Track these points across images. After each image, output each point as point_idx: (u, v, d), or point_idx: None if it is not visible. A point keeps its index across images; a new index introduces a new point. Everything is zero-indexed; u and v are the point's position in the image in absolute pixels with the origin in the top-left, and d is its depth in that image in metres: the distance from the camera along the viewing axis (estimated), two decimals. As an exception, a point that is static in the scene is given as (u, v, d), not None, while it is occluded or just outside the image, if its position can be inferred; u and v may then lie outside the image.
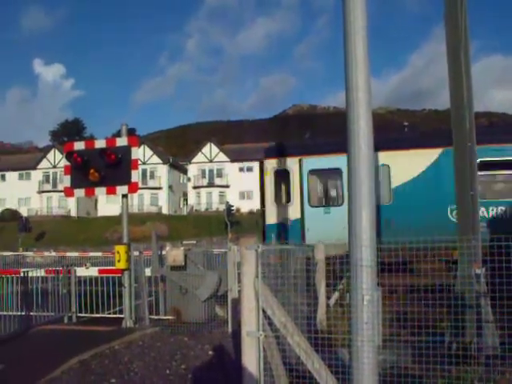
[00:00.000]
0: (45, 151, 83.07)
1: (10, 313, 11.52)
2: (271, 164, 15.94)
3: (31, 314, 11.96)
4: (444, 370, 5.29)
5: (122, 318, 11.36)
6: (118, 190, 11.21)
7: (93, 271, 13.03)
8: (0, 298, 12.05)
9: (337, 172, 14.50)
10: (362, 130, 4.51)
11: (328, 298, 10.16)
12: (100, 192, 11.49)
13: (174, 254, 11.08)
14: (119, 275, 11.62)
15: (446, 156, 12.79)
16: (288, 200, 15.83)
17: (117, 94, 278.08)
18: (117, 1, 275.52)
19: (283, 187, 16.26)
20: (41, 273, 12.96)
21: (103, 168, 11.05)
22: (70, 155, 11.25)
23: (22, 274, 12.62)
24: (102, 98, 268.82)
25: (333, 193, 15.70)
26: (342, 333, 6.12)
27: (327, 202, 15.76)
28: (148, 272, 11.76)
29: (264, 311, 4.90)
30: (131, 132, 13.21)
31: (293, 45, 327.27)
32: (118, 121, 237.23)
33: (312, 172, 15.54)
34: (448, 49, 8.09)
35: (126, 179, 11.01)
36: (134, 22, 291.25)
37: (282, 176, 15.91)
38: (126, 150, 11.09)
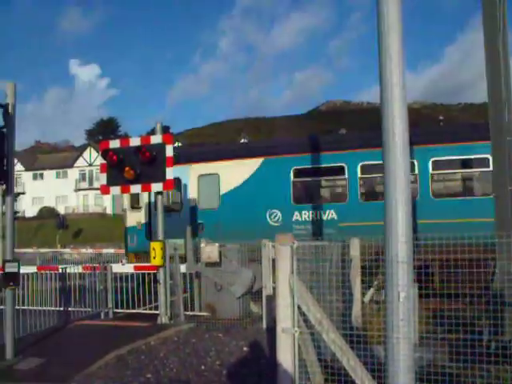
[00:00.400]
0: (81, 150, 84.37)
1: (50, 308, 11.75)
2: None
3: (69, 309, 12.21)
4: (482, 369, 5.21)
5: (158, 314, 11.46)
6: (153, 187, 11.29)
7: (129, 268, 13.18)
8: (40, 294, 12.29)
9: (177, 180, 14.20)
10: (397, 126, 4.46)
11: (363, 294, 10.09)
12: (135, 189, 11.57)
13: (209, 250, 11.12)
14: (155, 271, 11.74)
15: (266, 165, 15.44)
16: (137, 205, 17.45)
17: (151, 93, 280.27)
18: (150, 0, 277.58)
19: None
20: (78, 269, 13.17)
21: (138, 165, 11.15)
22: (105, 153, 11.38)
23: (60, 271, 12.86)
24: (137, 96, 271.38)
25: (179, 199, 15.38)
26: (377, 330, 6.07)
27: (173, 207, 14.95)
28: (183, 268, 11.84)
29: (299, 307, 4.89)
30: (165, 130, 13.22)
31: (327, 40, 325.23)
32: (151, 119, 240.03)
33: None
34: (485, 40, 7.92)
35: (160, 176, 11.09)
36: (168, 20, 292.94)
37: None
38: (161, 148, 11.17)
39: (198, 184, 16.47)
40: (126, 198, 17.89)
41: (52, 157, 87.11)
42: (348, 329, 5.78)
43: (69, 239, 51.26)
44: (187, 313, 11.59)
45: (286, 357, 4.99)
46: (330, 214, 15.12)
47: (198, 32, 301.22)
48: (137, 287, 12.55)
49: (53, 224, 50.78)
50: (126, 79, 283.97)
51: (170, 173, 11.10)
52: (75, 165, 77.73)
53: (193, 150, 21.20)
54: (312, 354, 5.18)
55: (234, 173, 15.86)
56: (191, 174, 16.57)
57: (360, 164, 14.84)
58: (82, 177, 77.03)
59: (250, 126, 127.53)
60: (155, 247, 11.13)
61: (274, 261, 5.54)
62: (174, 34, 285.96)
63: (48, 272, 13.12)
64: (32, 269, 13.41)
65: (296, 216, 15.34)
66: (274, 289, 5.76)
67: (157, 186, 11.23)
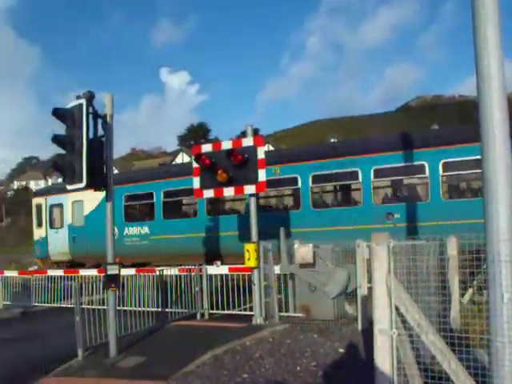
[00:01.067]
0: (173, 155, 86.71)
1: (148, 309, 12.15)
2: (35, 201, 24.89)
3: (166, 310, 12.57)
4: None
5: (252, 315, 11.57)
6: (245, 190, 11.41)
7: (223, 269, 13.39)
8: (138, 295, 12.74)
9: (61, 206, 22.93)
10: (496, 119, 4.26)
11: (461, 295, 9.71)
12: (228, 192, 11.73)
13: (303, 251, 11.09)
14: (249, 273, 11.86)
15: (118, 196, 17.75)
16: (41, 224, 23.93)
17: (240, 96, 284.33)
18: (236, 4, 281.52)
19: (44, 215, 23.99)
20: (174, 271, 13.52)
21: (231, 168, 11.31)
22: (198, 157, 11.63)
23: (157, 273, 13.28)
24: (226, 100, 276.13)
25: (62, 219, 23.03)
26: (478, 332, 5.81)
27: (56, 225, 23.38)
28: (277, 269, 11.88)
29: (397, 308, 4.78)
30: (255, 132, 13.45)
31: (416, 34, 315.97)
32: (241, 122, 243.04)
33: (51, 206, 23.62)
34: None
35: (253, 178, 11.20)
36: (255, 23, 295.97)
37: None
38: (252, 150, 11.27)
39: (72, 208, 22.50)
40: (34, 217, 24.67)
41: (147, 163, 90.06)
42: (447, 331, 5.57)
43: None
44: (281, 314, 11.61)
45: (383, 359, 4.89)
46: (143, 230, 20.07)
47: (286, 33, 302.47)
48: (231, 289, 12.74)
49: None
50: (215, 84, 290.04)
51: (263, 175, 11.17)
52: (169, 170, 79.95)
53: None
54: (410, 357, 5.03)
55: (92, 199, 19.73)
56: (68, 201, 22.43)
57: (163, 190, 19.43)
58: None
59: (339, 125, 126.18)
60: (249, 249, 11.23)
61: (368, 260, 5.44)
62: (261, 36, 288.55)
63: (146, 274, 13.60)
64: (131, 271, 13.94)
65: (127, 230, 20.40)
66: (370, 289, 5.65)
67: (249, 188, 11.34)
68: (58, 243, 22.84)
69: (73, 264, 21.91)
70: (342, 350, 8.75)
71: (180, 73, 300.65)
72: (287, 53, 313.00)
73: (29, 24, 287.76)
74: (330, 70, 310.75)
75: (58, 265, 22.58)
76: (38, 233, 24.05)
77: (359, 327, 10.07)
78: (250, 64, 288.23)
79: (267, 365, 8.15)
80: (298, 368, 7.88)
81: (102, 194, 16.38)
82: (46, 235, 23.54)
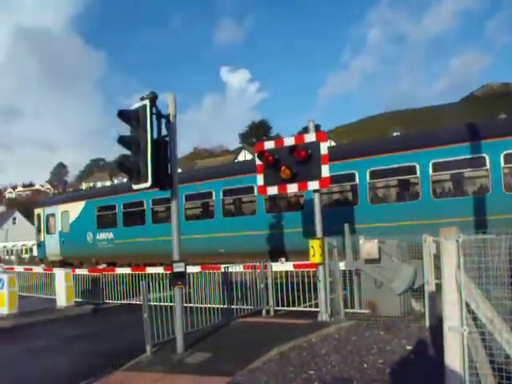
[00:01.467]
0: (235, 153, 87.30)
1: (214, 306, 12.30)
2: (36, 211, 30.20)
3: (232, 307, 12.66)
4: None
5: (318, 312, 11.51)
6: (309, 186, 11.34)
7: (288, 266, 13.37)
8: (205, 292, 12.89)
9: (54, 215, 27.82)
10: None
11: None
12: (292, 188, 11.70)
13: (368, 247, 10.95)
14: (314, 269, 11.79)
15: (86, 205, 25.72)
16: (40, 230, 28.70)
17: (300, 92, 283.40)
18: (295, 1, 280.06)
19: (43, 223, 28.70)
20: (239, 268, 13.61)
21: (294, 165, 11.28)
22: (261, 154, 11.66)
23: (222, 270, 13.40)
24: (286, 97, 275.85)
25: (56, 226, 27.77)
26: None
27: (51, 231, 28.02)
28: (342, 265, 11.76)
29: (467, 305, 4.62)
30: (317, 128, 13.39)
31: (482, 20, 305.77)
32: (302, 118, 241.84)
33: (48, 215, 28.31)
34: None
35: (316, 174, 11.13)
36: (315, 18, 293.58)
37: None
38: (315, 146, 11.21)
39: (61, 217, 27.29)
40: (36, 225, 29.61)
41: (210, 162, 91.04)
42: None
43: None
44: (347, 310, 11.49)
45: (453, 357, 4.74)
46: (109, 235, 24.52)
47: (346, 27, 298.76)
48: (296, 285, 12.71)
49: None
50: (275, 81, 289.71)
51: (326, 170, 11.09)
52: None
53: (60, 197, 35.58)
54: (482, 355, 4.86)
55: (75, 210, 26.41)
56: (58, 211, 27.60)
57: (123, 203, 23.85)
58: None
59: (401, 118, 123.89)
60: (314, 245, 11.17)
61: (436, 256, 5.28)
62: (322, 31, 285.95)
63: (211, 271, 13.75)
64: (196, 268, 14.13)
65: (98, 236, 25.08)
66: (437, 285, 5.50)
67: (313, 184, 11.27)
68: (52, 246, 27.79)
69: (64, 263, 26.43)
70: (409, 348, 8.58)
71: (240, 71, 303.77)
72: (348, 47, 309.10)
73: (94, 30, 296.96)
74: (392, 63, 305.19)
75: (53, 264, 26.76)
76: (39, 237, 29.12)
77: (427, 324, 9.85)
78: (309, 60, 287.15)
79: (333, 361, 8.07)
80: (365, 365, 7.78)
81: (82, 205, 24.07)
82: (44, 240, 28.49)
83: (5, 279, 15.18)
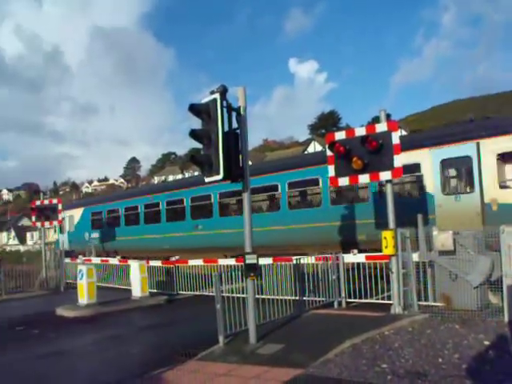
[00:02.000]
0: (305, 145, 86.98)
1: (285, 297, 12.34)
2: None
3: (304, 298, 12.67)
4: None
5: (390, 304, 11.36)
6: (381, 176, 11.17)
7: (360, 257, 13.24)
8: (276, 284, 12.95)
9: (64, 218, 29.01)
10: None
11: None
12: (363, 179, 11.55)
13: (443, 238, 10.70)
14: (386, 261, 11.64)
15: (84, 211, 31.58)
16: (60, 230, 34.67)
17: (370, 81, 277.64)
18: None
19: None
20: (311, 260, 13.59)
21: (365, 155, 11.14)
22: (332, 145, 11.57)
23: (294, 262, 13.42)
24: (356, 87, 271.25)
25: (65, 227, 33.77)
26: None
27: (65, 231, 33.93)
28: (416, 257, 11.54)
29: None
30: (387, 117, 13.07)
31: None
32: (371, 108, 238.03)
33: (62, 218, 27.80)
34: None
35: (388, 164, 10.96)
36: (386, 4, 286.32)
37: None
38: (387, 136, 11.02)
39: (69, 220, 32.98)
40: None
41: (279, 153, 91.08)
42: None
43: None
44: (421, 303, 11.28)
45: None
46: (98, 234, 29.90)
47: (418, 11, 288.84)
48: (368, 277, 12.59)
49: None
50: (343, 71, 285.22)
51: (398, 160, 10.91)
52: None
53: (68, 204, 37.20)
54: None
55: (77, 214, 32.65)
56: (67, 215, 31.91)
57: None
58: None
59: (476, 104, 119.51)
60: (386, 236, 11.02)
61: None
62: (392, 17, 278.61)
63: (283, 263, 13.81)
64: (268, 260, 14.22)
65: (92, 234, 30.61)
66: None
67: (385, 175, 11.10)
68: (65, 242, 33.76)
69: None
70: (487, 343, 8.34)
71: (308, 62, 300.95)
72: (421, 32, 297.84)
73: (163, 27, 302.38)
74: (468, 47, 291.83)
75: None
76: (58, 236, 35.77)
77: (506, 319, 9.56)
78: (379, 47, 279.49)
79: (407, 355, 7.97)
80: (440, 360, 7.63)
81: (82, 210, 30.07)
82: (59, 237, 35.21)
83: (84, 270, 15.81)
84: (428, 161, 15.71)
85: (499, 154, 14.31)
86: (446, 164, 15.58)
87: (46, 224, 25.07)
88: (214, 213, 22.26)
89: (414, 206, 14.89)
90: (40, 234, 28.33)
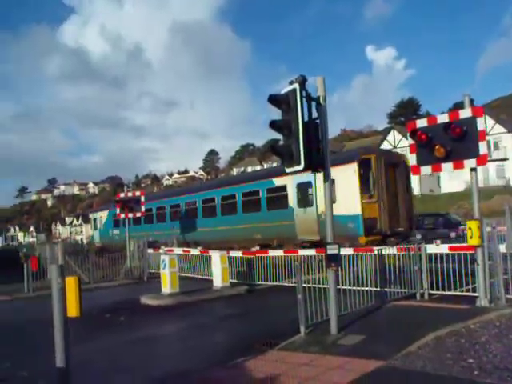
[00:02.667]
0: (384, 133, 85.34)
1: (366, 288, 12.19)
2: (90, 216, 58.22)
3: (385, 289, 12.49)
4: None
5: (475, 297, 11.01)
6: (465, 164, 10.79)
7: (443, 248, 12.89)
8: (357, 274, 12.82)
9: (94, 219, 46.58)
10: None
11: None
12: (447, 168, 11.20)
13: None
14: (471, 252, 11.27)
15: (109, 213, 39.33)
16: (93, 227, 46.94)
17: (451, 66, 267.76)
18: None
19: None
20: (393, 250, 13.36)
21: (448, 142, 10.80)
22: (413, 133, 11.30)
23: (375, 252, 13.24)
24: (435, 72, 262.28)
25: (97, 225, 44.74)
26: None
27: (96, 229, 44.68)
28: (503, 248, 11.11)
29: None
30: (471, 103, 12.63)
31: None
32: (452, 94, 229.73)
33: (94, 218, 46.31)
34: None
35: (473, 152, 10.58)
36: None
37: None
38: (471, 122, 10.62)
39: (100, 219, 42.65)
40: (92, 224, 47.55)
41: (357, 143, 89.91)
42: None
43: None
44: (508, 296, 10.89)
45: None
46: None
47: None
48: (452, 268, 12.25)
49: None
50: (423, 57, 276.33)
51: (484, 147, 10.51)
52: (381, 147, 78.71)
53: (98, 207, 56.02)
54: None
55: (104, 216, 41.49)
56: (97, 216, 43.61)
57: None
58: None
59: None
60: (472, 226, 10.66)
61: None
62: None
63: (364, 253, 13.65)
64: (349, 250, 14.10)
65: (114, 231, 37.71)
66: None
67: (470, 163, 10.71)
68: (96, 238, 42.73)
69: (102, 249, 34.99)
70: None
71: (386, 49, 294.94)
72: (510, 10, 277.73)
73: (239, 19, 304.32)
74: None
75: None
76: (92, 232, 45.54)
77: None
78: (463, 30, 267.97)
79: (494, 350, 7.69)
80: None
81: (106, 213, 41.54)
82: (94, 234, 44.65)
83: (166, 260, 16.26)
84: (290, 184, 22.59)
85: None
86: (299, 186, 22.27)
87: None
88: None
89: (283, 215, 22.92)
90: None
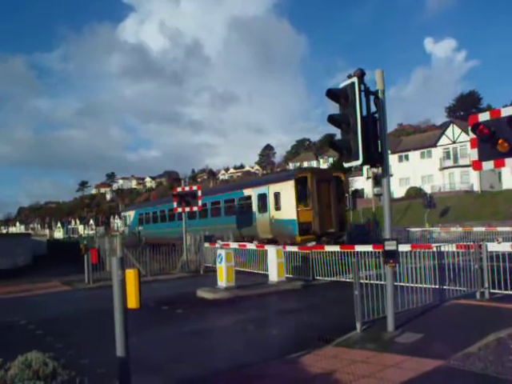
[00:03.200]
0: (443, 128, 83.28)
1: (425, 285, 11.94)
2: (122, 214, 68.08)
3: (444, 287, 12.21)
4: None
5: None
6: (531, 159, 10.44)
7: (505, 246, 12.51)
8: (415, 272, 12.57)
9: (125, 216, 56.58)
10: None
11: None
12: (510, 163, 10.87)
13: None
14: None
15: (135, 213, 49.19)
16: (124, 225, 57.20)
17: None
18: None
19: None
20: (452, 248, 13.06)
21: (513, 137, 10.47)
22: (475, 128, 10.95)
23: (434, 249, 12.97)
24: (499, 63, 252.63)
25: (126, 223, 54.67)
26: None
27: (126, 226, 54.30)
28: None
29: None
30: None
31: None
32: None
33: (124, 216, 57.39)
34: None
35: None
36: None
37: None
38: (539, 115, 10.23)
39: (128, 217, 51.33)
40: (122, 222, 62.99)
41: (415, 138, 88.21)
42: None
43: (436, 218, 51.33)
44: None
45: None
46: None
47: None
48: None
49: (420, 203, 51.74)
50: (485, 48, 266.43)
51: None
52: (438, 143, 77.03)
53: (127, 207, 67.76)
54: None
55: (132, 214, 49.81)
56: (126, 214, 53.71)
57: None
58: (447, 155, 75.74)
59: None
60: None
61: None
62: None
63: (422, 250, 13.39)
64: (406, 247, 13.87)
65: (140, 228, 45.00)
66: None
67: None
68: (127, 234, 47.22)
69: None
70: None
71: (445, 41, 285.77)
72: None
73: (295, 13, 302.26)
74: None
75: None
76: (124, 229, 53.06)
77: None
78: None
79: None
80: None
81: (133, 213, 51.13)
82: (125, 230, 51.22)
83: (223, 254, 16.40)
84: (254, 195, 29.26)
85: (275, 192, 27.09)
86: (259, 197, 28.57)
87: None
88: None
89: (248, 218, 29.23)
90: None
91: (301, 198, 25.70)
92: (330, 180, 26.86)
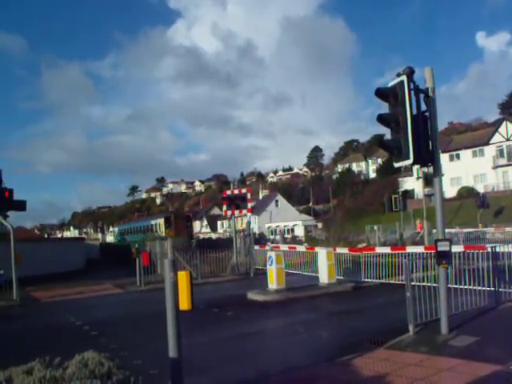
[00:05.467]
0: (495, 125, 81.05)
1: (479, 287, 11.64)
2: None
3: (500, 289, 11.86)
4: None
5: None
6: None
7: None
8: (468, 273, 12.28)
9: None
10: None
11: None
12: None
13: None
14: None
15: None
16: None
17: None
18: None
19: None
20: (508, 248, 12.71)
21: None
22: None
23: (489, 250, 12.64)
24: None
25: None
26: None
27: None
28: None
29: None
30: None
31: None
32: None
33: None
34: None
35: None
36: None
37: None
38: None
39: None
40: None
41: (467, 136, 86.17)
42: None
43: (489, 218, 49.95)
44: None
45: None
46: None
47: None
48: None
49: (472, 203, 50.48)
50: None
51: None
52: (491, 141, 75.01)
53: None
54: None
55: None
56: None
57: None
58: (500, 153, 73.77)
59: None
60: None
61: None
62: None
63: (475, 251, 13.07)
64: (459, 248, 13.57)
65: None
66: None
67: None
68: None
69: None
70: None
71: (498, 34, 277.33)
72: None
73: (344, 13, 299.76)
74: None
75: None
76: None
77: None
78: None
79: None
80: None
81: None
82: None
83: (273, 257, 16.44)
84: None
85: None
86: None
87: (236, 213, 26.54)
88: None
89: None
90: (230, 223, 29.87)
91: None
92: (188, 218, 48.51)
